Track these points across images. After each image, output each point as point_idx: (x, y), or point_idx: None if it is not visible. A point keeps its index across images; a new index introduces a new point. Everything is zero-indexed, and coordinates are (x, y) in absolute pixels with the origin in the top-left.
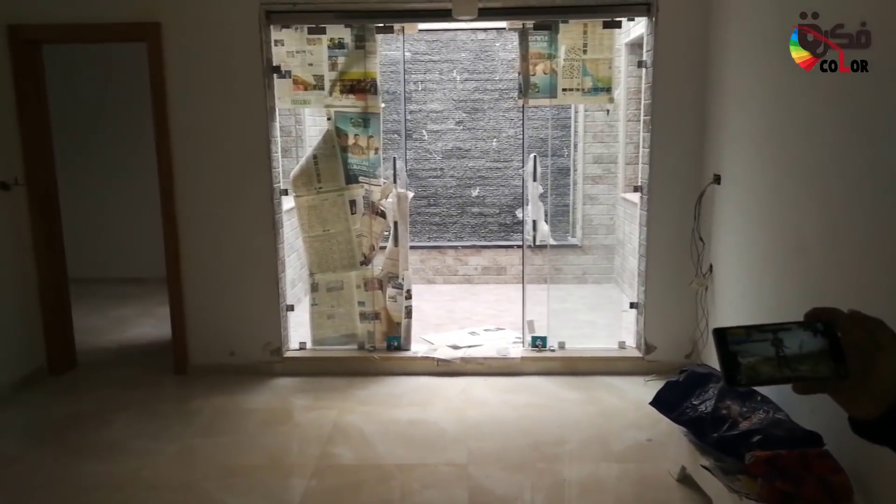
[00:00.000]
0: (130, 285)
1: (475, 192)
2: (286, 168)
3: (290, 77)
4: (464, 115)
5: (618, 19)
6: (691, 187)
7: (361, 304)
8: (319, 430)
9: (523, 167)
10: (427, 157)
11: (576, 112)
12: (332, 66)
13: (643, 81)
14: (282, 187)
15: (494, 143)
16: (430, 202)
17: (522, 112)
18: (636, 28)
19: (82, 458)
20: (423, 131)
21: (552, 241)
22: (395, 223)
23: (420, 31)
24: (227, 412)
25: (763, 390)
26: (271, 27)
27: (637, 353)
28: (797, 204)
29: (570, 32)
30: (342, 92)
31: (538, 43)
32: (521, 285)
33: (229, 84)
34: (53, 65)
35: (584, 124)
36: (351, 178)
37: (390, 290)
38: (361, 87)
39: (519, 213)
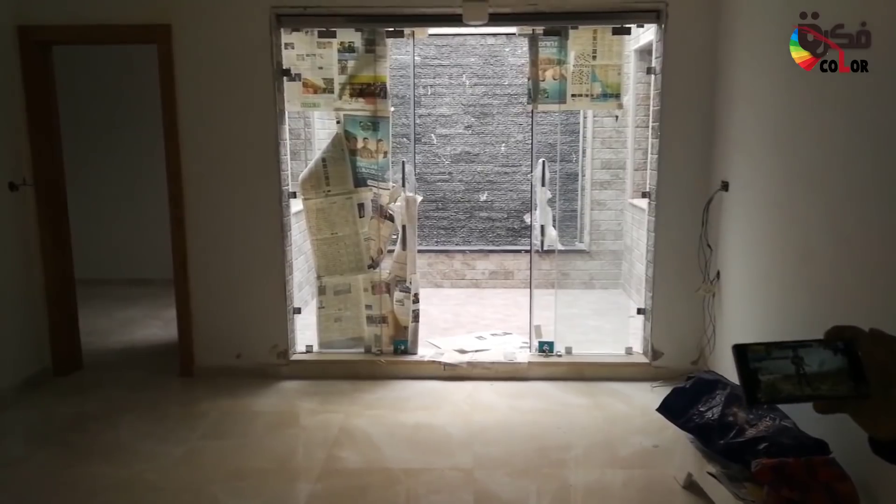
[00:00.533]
0: (137, 287)
1: (483, 197)
2: (295, 171)
3: (299, 80)
4: (473, 119)
5: (627, 26)
6: (699, 193)
7: (368, 307)
8: (326, 434)
9: (532, 172)
10: (436, 161)
11: (584, 118)
12: (342, 70)
13: (652, 88)
14: (290, 190)
15: (503, 147)
16: (438, 206)
17: (531, 117)
18: (645, 34)
19: (88, 460)
20: (432, 135)
21: (560, 246)
22: (404, 227)
23: (430, 35)
24: (233, 415)
25: None
26: (281, 30)
27: (644, 359)
28: (805, 211)
29: (579, 38)
30: (352, 95)
31: (548, 48)
32: (529, 290)
33: (239, 86)
34: (64, 66)
35: (593, 130)
36: (359, 182)
37: (398, 294)
38: (371, 90)
39: (527, 218)
